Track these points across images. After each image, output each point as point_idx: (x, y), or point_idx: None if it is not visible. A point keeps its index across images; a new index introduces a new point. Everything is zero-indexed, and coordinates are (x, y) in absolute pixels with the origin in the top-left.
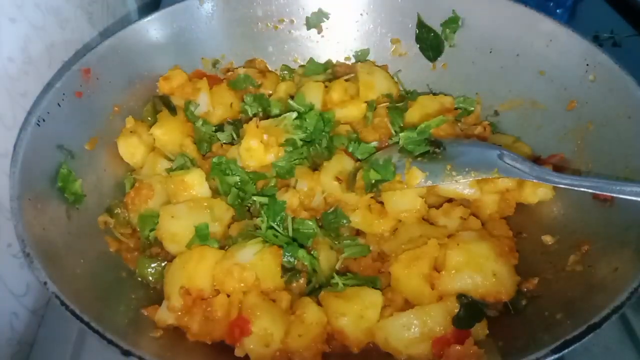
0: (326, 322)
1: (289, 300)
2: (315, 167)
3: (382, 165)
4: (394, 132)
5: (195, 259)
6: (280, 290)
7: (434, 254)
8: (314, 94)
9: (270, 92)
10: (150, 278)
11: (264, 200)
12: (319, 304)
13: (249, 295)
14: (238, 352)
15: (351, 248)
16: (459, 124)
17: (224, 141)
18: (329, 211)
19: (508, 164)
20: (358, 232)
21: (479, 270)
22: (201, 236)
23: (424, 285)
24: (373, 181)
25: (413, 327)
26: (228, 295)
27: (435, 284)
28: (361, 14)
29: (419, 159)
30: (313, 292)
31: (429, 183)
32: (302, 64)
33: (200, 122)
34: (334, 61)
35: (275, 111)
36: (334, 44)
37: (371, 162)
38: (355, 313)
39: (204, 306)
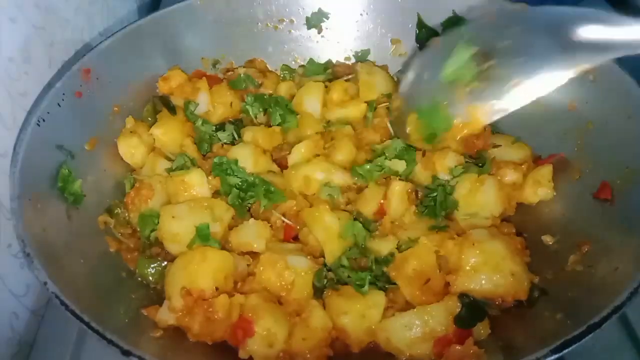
0: (331, 327)
1: (296, 304)
2: None
3: (430, 113)
4: (393, 133)
5: (197, 259)
6: (307, 300)
7: (429, 252)
8: (314, 94)
9: (271, 92)
10: (151, 278)
11: None
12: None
13: (250, 297)
14: (242, 354)
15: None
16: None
17: (225, 141)
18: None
19: (589, 39)
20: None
21: (497, 270)
22: (202, 236)
23: (420, 286)
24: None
25: (415, 327)
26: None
27: (451, 284)
28: (361, 14)
29: (471, 86)
30: (319, 290)
31: (502, 113)
32: (302, 64)
33: (200, 122)
34: (334, 61)
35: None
36: (334, 44)
37: (418, 109)
38: (358, 312)
39: (205, 306)
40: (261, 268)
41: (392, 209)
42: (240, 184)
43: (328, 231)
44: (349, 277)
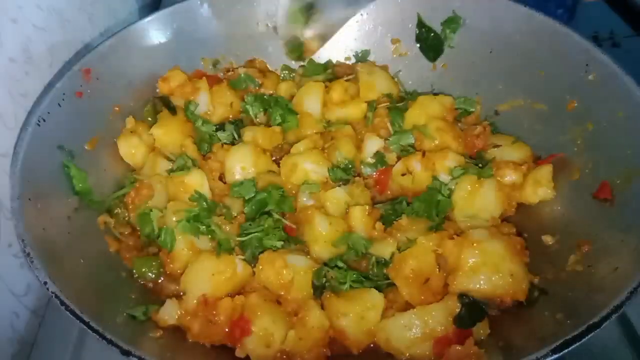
0: (328, 326)
1: (295, 304)
2: None
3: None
4: (393, 133)
5: (229, 273)
6: (311, 300)
7: (427, 252)
8: (314, 94)
9: (271, 92)
10: (151, 275)
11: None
12: (322, 306)
13: (250, 296)
14: (239, 353)
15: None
16: (459, 124)
17: (225, 141)
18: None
19: None
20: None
21: (497, 271)
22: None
23: (419, 286)
24: None
25: (414, 327)
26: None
27: (450, 284)
28: (361, 14)
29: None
30: (318, 289)
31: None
32: (302, 64)
33: (200, 122)
34: (334, 61)
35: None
36: (334, 44)
37: None
38: (357, 314)
39: (209, 309)
40: (260, 267)
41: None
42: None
43: (315, 233)
44: (332, 278)
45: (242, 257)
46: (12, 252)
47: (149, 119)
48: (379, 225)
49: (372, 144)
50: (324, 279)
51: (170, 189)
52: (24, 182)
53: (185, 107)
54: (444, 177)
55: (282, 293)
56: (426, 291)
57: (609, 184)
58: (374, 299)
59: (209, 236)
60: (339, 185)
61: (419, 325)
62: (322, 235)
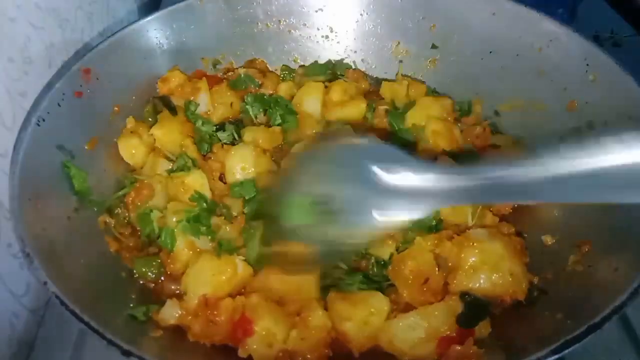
0: (330, 327)
1: (298, 304)
2: None
3: None
4: None
5: (230, 273)
6: (314, 300)
7: (425, 252)
8: (314, 94)
9: (271, 92)
10: (151, 275)
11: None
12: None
13: (251, 296)
14: (242, 353)
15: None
16: (458, 124)
17: (225, 141)
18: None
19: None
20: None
21: (496, 270)
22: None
23: (419, 286)
24: None
25: (418, 328)
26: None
27: (450, 283)
28: (361, 14)
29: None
30: (322, 289)
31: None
32: (302, 64)
33: (200, 122)
34: (334, 61)
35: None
36: (334, 44)
37: None
38: (360, 319)
39: (210, 309)
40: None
41: None
42: None
43: None
44: (340, 278)
45: (243, 258)
46: (12, 252)
47: (149, 119)
48: None
49: None
50: (329, 280)
51: (170, 189)
52: (23, 182)
53: (185, 107)
54: None
55: (286, 293)
56: (426, 291)
57: None
58: (379, 304)
59: (209, 236)
60: None
61: (422, 326)
62: None
